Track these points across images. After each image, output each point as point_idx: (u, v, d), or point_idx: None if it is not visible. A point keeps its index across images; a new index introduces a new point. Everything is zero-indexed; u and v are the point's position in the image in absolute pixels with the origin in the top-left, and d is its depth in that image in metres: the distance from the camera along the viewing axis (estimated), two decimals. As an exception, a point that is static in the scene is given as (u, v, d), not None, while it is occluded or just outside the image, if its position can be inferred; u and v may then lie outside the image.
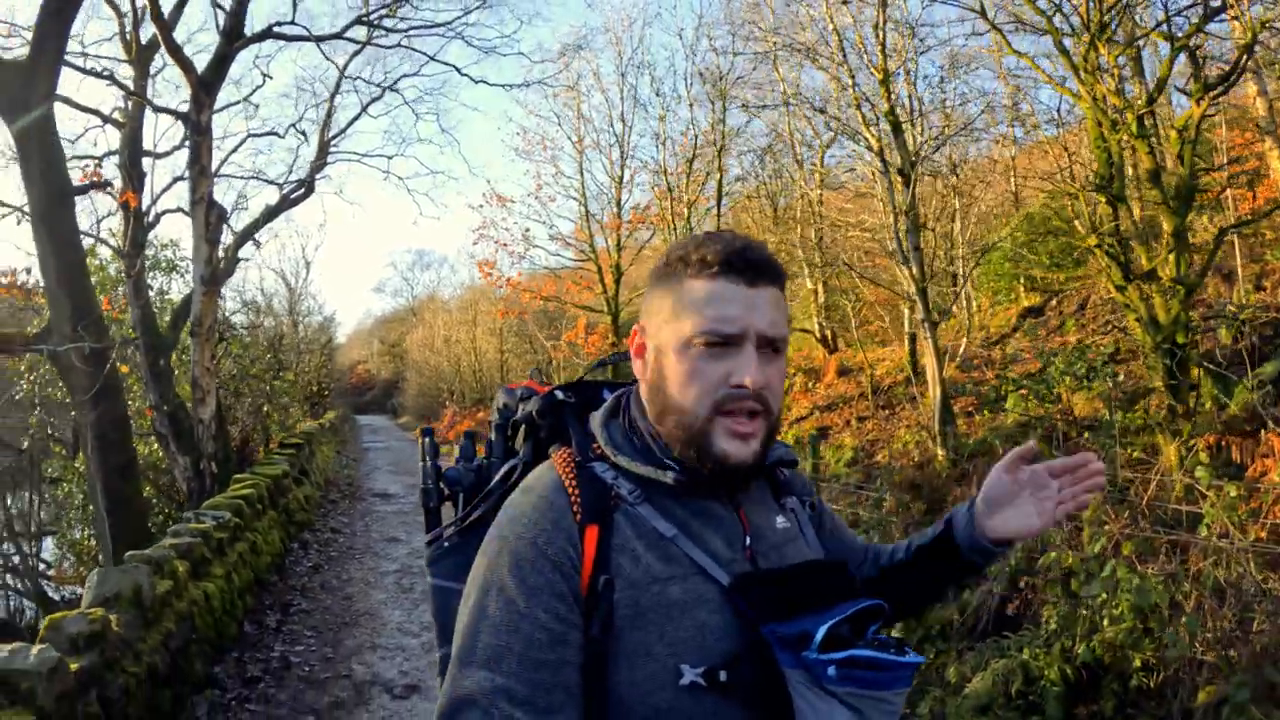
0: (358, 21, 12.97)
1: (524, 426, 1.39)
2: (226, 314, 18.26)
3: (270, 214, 14.92)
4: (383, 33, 13.34)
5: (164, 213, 12.75)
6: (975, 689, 4.76)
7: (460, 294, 37.89)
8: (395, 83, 15.93)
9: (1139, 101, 7.45)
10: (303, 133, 14.58)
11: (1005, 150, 15.94)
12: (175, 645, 5.31)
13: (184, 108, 11.23)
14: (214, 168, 12.09)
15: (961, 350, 14.05)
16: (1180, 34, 7.09)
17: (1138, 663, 4.28)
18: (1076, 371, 8.88)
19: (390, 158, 22.76)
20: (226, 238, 13.44)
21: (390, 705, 5.36)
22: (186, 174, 11.27)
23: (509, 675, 1.05)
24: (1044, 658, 4.64)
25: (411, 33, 13.41)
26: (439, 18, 14.09)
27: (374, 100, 15.92)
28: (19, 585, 11.61)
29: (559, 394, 1.36)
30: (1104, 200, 7.81)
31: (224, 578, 6.74)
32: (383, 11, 13.04)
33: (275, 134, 14.38)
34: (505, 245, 18.62)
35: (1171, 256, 7.02)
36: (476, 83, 17.86)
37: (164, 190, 12.77)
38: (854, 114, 11.49)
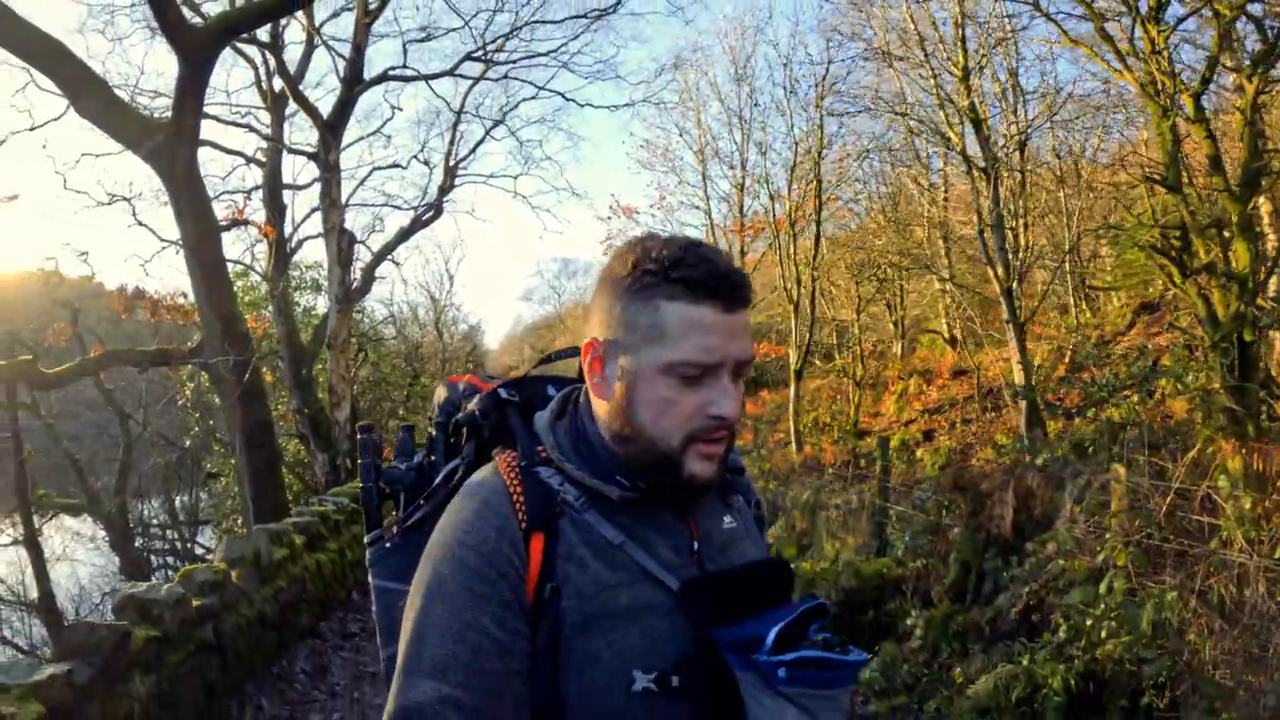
0: (467, 58, 14.51)
1: (466, 427, 1.39)
2: (373, 324, 20.35)
3: (403, 235, 16.71)
4: (494, 65, 14.82)
5: (305, 239, 14.69)
6: (977, 691, 4.96)
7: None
8: (512, 109, 17.49)
9: (1195, 82, 7.22)
10: (425, 162, 16.44)
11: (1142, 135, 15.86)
12: (285, 600, 6.68)
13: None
14: (345, 198, 13.89)
15: (1070, 349, 14.18)
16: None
17: (1149, 679, 4.25)
18: (1137, 372, 9.13)
19: (516, 177, 24.66)
20: (364, 256, 15.26)
21: None
22: (319, 206, 13.03)
23: (456, 685, 1.07)
24: (1047, 666, 4.68)
25: (520, 63, 14.85)
26: (542, 48, 15.41)
27: (496, 124, 17.50)
28: (178, 565, 13.77)
29: (502, 392, 1.37)
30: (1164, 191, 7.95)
31: (337, 552, 8.16)
32: (491, 46, 14.52)
33: (399, 165, 16.21)
34: (633, 251, 19.87)
35: (1238, 247, 7.03)
36: (582, 106, 19.22)
37: (304, 219, 14.69)
38: (939, 114, 12.01)
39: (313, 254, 19.44)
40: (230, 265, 11.36)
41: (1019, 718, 4.65)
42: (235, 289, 12.06)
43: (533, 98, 17.06)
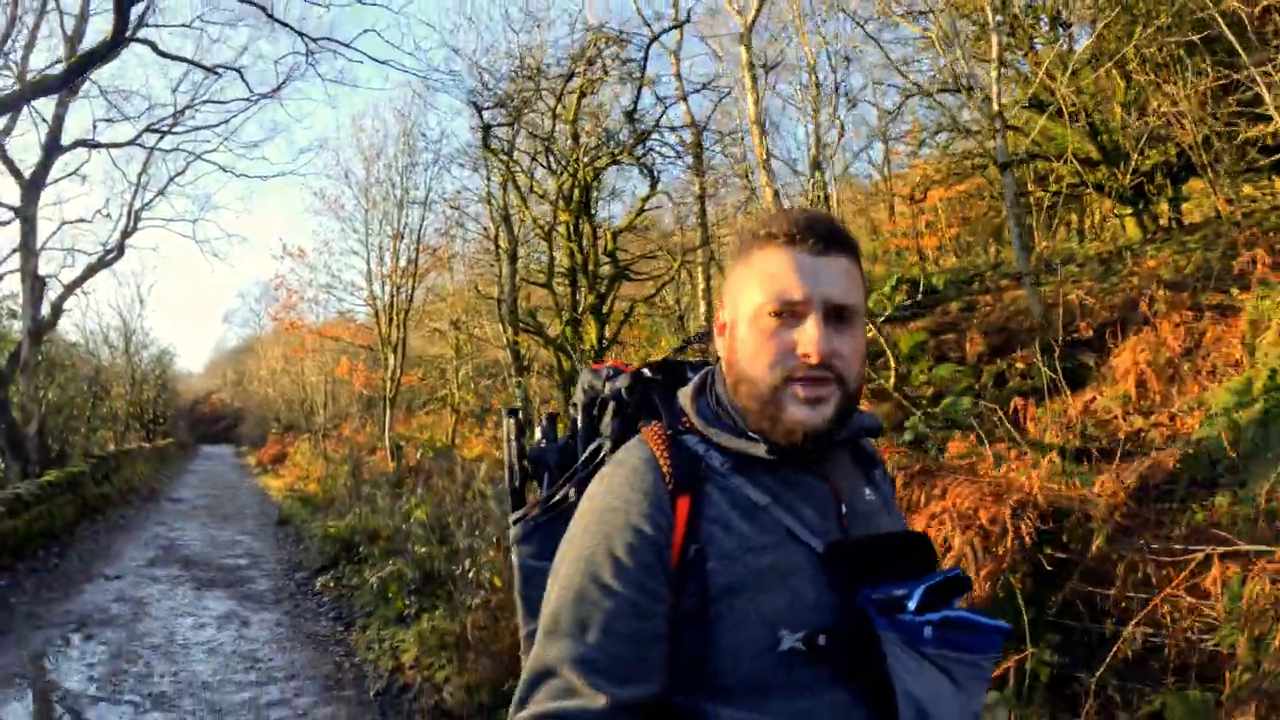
0: (147, 129, 19.26)
1: (612, 404, 1.56)
2: (65, 348, 24.10)
3: (90, 272, 20.96)
4: (167, 135, 19.73)
5: (7, 273, 18.71)
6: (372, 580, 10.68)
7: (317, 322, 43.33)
8: (195, 160, 22.05)
9: (570, 215, 12.46)
10: (109, 215, 20.75)
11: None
12: (-8, 545, 11.38)
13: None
14: (42, 243, 18.19)
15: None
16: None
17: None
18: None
19: (194, 221, 28.93)
20: (56, 288, 19.45)
21: (102, 584, 11.25)
22: (18, 249, 17.33)
23: (592, 645, 1.22)
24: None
25: (192, 133, 19.82)
26: (210, 120, 20.45)
27: (179, 173, 22.11)
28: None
29: (646, 371, 1.56)
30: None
31: (27, 522, 12.78)
32: (167, 121, 19.45)
33: (84, 220, 20.64)
34: (297, 292, 24.69)
35: (590, 328, 12.62)
36: (239, 176, 24.18)
37: (6, 257, 18.53)
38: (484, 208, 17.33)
39: (11, 284, 22.91)
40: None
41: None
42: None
43: (214, 150, 21.69)
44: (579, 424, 1.65)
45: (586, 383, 1.65)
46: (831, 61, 15.20)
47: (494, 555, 7.10)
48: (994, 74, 11.86)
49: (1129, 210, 14.49)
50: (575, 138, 12.37)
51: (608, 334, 12.64)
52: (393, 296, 20.96)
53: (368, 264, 23.22)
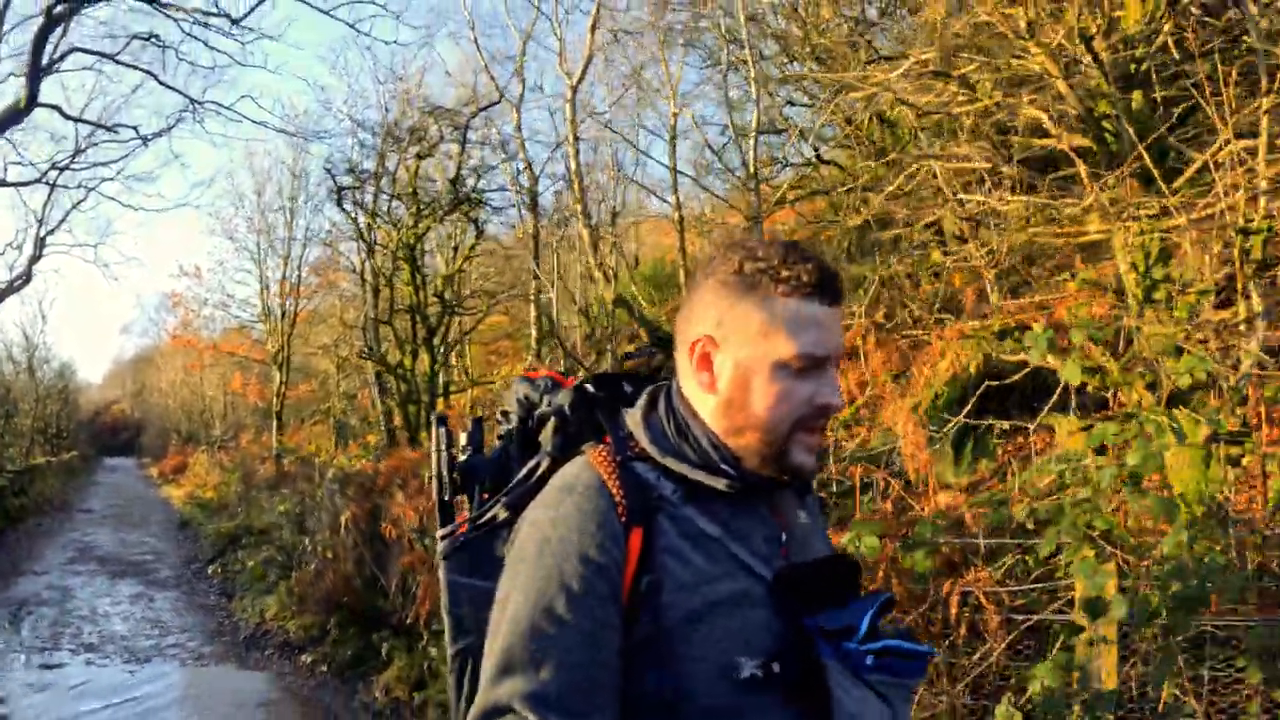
0: (52, 168, 21.90)
1: (554, 420, 1.50)
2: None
3: (-2, 299, 23.54)
4: (65, 172, 22.37)
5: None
6: (251, 563, 13.94)
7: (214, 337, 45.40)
8: (95, 187, 24.61)
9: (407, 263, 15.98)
10: (19, 247, 23.31)
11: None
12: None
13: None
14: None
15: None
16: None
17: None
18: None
19: (95, 246, 30.96)
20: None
21: (33, 578, 14.23)
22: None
23: (545, 681, 1.20)
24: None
25: (92, 168, 22.48)
26: (107, 156, 22.81)
27: (80, 202, 24.62)
28: None
29: (589, 387, 1.50)
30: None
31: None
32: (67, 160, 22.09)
33: (-8, 256, 23.19)
34: (192, 309, 27.40)
35: (424, 358, 15.95)
36: (137, 210, 26.69)
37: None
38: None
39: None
40: None
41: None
42: None
43: (112, 179, 24.08)
44: (513, 437, 1.61)
45: (522, 393, 1.60)
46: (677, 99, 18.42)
47: (328, 535, 10.38)
48: (752, 140, 15.19)
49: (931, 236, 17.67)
50: (415, 194, 15.49)
51: (440, 360, 15.93)
52: (281, 316, 23.77)
53: (260, 283, 25.84)
